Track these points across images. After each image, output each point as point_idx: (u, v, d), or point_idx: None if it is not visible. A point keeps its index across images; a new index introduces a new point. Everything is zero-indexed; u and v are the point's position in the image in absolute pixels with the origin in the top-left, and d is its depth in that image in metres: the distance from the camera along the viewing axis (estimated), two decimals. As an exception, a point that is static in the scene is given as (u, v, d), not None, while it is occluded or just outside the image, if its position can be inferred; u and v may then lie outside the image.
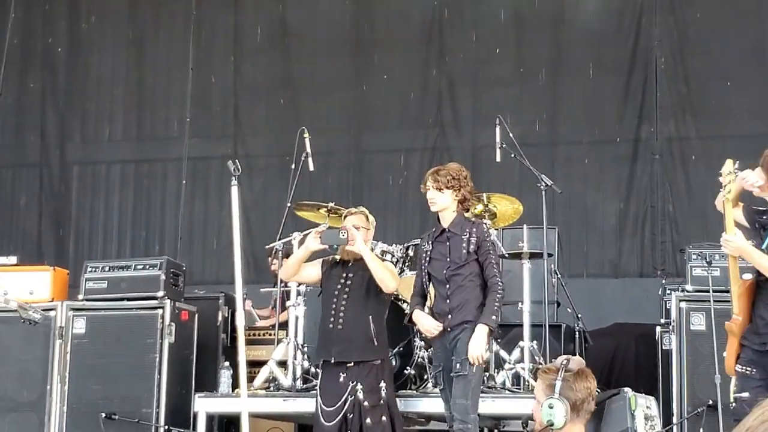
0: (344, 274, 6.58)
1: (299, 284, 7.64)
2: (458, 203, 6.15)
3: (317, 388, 6.52)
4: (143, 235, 11.75)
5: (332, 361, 6.39)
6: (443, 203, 6.14)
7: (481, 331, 5.90)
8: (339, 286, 6.55)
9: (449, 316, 6.03)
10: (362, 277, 6.49)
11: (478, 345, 5.88)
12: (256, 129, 11.66)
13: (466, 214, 6.31)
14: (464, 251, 6.04)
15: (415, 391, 7.10)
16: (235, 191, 6.37)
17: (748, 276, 5.80)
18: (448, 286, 6.06)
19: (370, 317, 6.43)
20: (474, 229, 6.10)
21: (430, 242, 6.21)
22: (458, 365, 5.92)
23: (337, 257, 6.70)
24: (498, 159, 7.88)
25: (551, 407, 5.20)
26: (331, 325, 6.44)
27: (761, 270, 5.69)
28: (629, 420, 5.37)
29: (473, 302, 6.01)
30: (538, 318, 7.54)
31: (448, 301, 6.05)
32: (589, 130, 10.72)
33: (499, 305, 6.01)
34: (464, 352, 5.87)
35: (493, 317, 5.96)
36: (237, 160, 6.40)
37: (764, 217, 5.80)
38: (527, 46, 11.08)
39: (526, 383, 7.16)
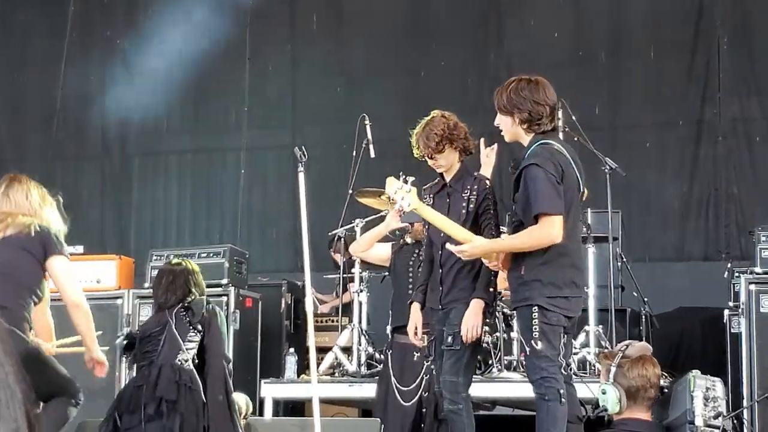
0: (416, 251, 6.63)
1: (362, 270, 7.67)
2: (460, 153, 5.82)
3: (389, 369, 6.52)
4: (203, 225, 11.82)
5: None
6: (447, 163, 5.78)
7: (475, 306, 5.49)
8: (412, 261, 6.59)
9: (441, 288, 5.68)
10: None
11: (471, 321, 5.46)
12: (313, 117, 11.67)
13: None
14: (463, 210, 5.64)
15: (480, 376, 7.08)
16: (302, 177, 6.40)
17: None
18: (441, 252, 5.67)
19: None
20: (475, 186, 5.70)
21: (431, 195, 5.82)
22: (450, 338, 5.52)
23: (408, 240, 6.74)
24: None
25: (604, 393, 5.17)
26: (411, 292, 6.36)
27: (516, 250, 5.30)
28: (688, 401, 5.30)
29: (469, 269, 5.60)
30: (603, 302, 7.49)
31: (441, 270, 5.70)
32: (651, 112, 10.60)
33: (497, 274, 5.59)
34: (457, 325, 5.49)
35: (491, 290, 5.58)
36: (303, 147, 6.44)
37: None
38: (586, 28, 10.98)
39: (592, 368, 7.12)
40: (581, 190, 5.41)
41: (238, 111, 11.86)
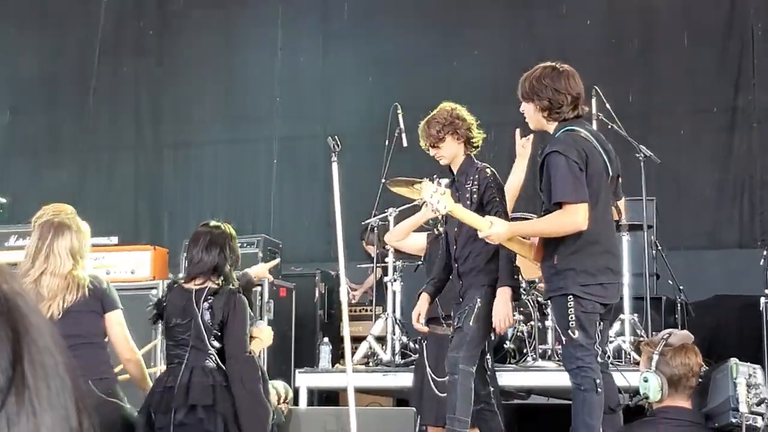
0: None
1: (396, 260, 7.68)
2: (464, 145, 5.83)
3: (425, 359, 6.52)
4: (236, 215, 11.85)
5: (452, 313, 6.36)
6: (449, 153, 5.83)
7: (503, 295, 5.57)
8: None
9: (461, 282, 5.78)
10: None
11: (502, 311, 5.55)
12: (345, 107, 11.67)
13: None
14: (468, 202, 5.64)
15: (514, 365, 7.08)
16: (335, 167, 6.41)
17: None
18: (455, 247, 5.77)
19: None
20: (477, 176, 5.72)
21: None
22: (457, 319, 5.67)
23: (440, 230, 6.72)
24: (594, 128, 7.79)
25: (646, 381, 5.17)
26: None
27: (540, 235, 5.38)
28: (731, 388, 5.28)
29: (483, 258, 5.69)
30: (638, 291, 7.46)
31: (456, 265, 5.80)
32: (684, 99, 10.54)
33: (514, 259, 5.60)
34: (466, 306, 5.62)
35: (515, 277, 5.63)
36: (336, 137, 6.44)
37: None
38: (618, 16, 10.92)
39: (628, 356, 7.10)
40: (611, 174, 5.39)
41: (270, 101, 11.88)
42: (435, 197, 5.25)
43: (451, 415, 5.60)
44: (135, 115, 12.35)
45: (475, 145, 5.87)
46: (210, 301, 5.70)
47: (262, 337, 6.01)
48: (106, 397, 5.35)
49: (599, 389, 5.17)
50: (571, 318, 5.16)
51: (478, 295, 5.67)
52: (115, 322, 5.57)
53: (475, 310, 5.63)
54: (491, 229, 5.25)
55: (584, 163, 5.18)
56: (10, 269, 0.70)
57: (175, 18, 12.40)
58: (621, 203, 5.74)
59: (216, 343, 5.68)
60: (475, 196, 5.67)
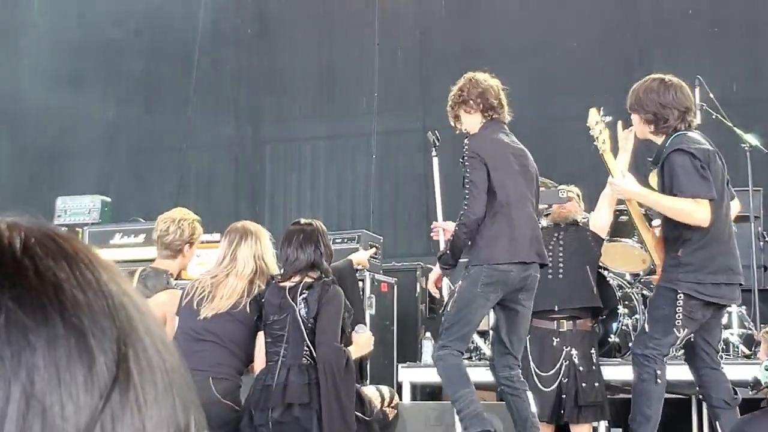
0: (556, 234, 6.58)
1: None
2: (480, 113, 5.76)
3: (528, 353, 6.48)
4: (336, 210, 11.93)
5: (555, 309, 6.31)
6: (469, 126, 5.78)
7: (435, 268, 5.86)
8: (552, 245, 6.53)
9: None
10: (574, 237, 6.49)
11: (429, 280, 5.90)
12: (444, 101, 11.63)
13: None
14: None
15: (620, 359, 7.01)
16: (435, 162, 6.43)
17: (658, 222, 5.49)
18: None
19: (588, 268, 6.39)
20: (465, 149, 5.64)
21: None
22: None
23: (543, 223, 6.69)
24: (699, 121, 7.65)
25: (767, 369, 5.09)
26: (550, 276, 6.37)
27: (661, 210, 5.37)
28: None
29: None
30: (746, 283, 7.31)
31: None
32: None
33: (458, 237, 5.55)
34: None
35: (448, 252, 5.62)
36: (436, 131, 6.44)
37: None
38: (721, 3, 10.72)
39: (736, 349, 6.98)
40: (726, 178, 5.41)
41: (368, 96, 11.92)
42: (598, 127, 5.46)
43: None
44: (234, 113, 12.50)
45: (495, 109, 5.75)
46: (305, 294, 5.73)
47: (359, 342, 6.02)
48: (222, 398, 5.48)
49: (659, 380, 5.28)
50: (678, 316, 5.15)
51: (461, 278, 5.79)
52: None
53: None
54: (621, 180, 5.36)
55: (706, 163, 5.17)
56: (117, 268, 0.72)
57: (274, 15, 12.51)
58: (735, 204, 5.74)
59: (312, 336, 5.74)
60: (464, 168, 5.63)
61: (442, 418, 6.76)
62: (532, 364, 6.43)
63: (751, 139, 7.45)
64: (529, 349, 6.45)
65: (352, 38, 12.06)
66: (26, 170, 12.82)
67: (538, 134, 11.18)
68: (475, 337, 7.62)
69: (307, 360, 5.65)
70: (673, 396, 7.24)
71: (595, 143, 5.48)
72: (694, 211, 5.17)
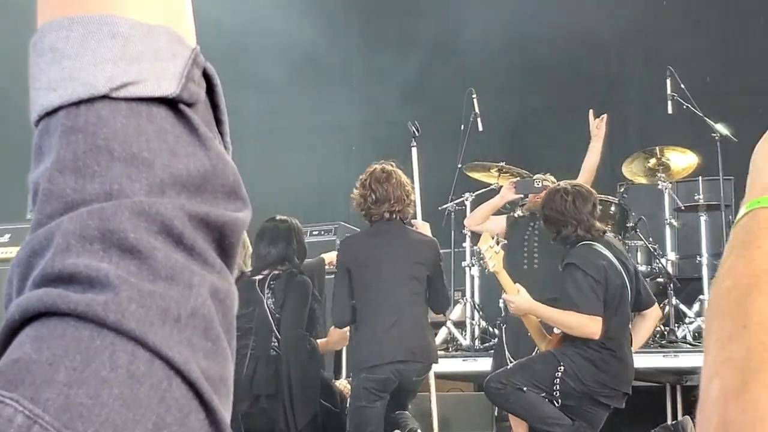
0: (531, 224, 6.65)
1: (474, 244, 7.72)
2: None
3: (504, 344, 6.55)
4: (314, 203, 11.93)
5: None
6: None
7: None
8: (527, 235, 6.61)
9: None
10: None
11: None
12: (428, 91, 11.66)
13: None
14: None
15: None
16: (414, 152, 6.51)
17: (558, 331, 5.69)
18: None
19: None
20: None
21: None
22: None
23: (519, 213, 6.77)
24: (670, 111, 7.75)
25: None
26: (525, 265, 6.47)
27: (554, 325, 5.65)
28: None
29: None
30: (716, 271, 7.41)
31: None
32: (764, 79, 10.39)
33: None
34: None
35: None
36: (416, 122, 6.52)
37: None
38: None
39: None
40: (630, 287, 5.66)
41: (348, 87, 11.94)
42: (489, 252, 5.62)
43: None
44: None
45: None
46: (272, 285, 5.83)
47: (334, 337, 6.13)
48: None
49: None
50: (555, 384, 5.49)
51: None
52: None
53: None
54: (516, 297, 5.62)
55: (603, 278, 5.45)
56: None
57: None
58: (653, 310, 5.94)
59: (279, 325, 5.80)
60: None
61: (420, 409, 6.82)
62: (507, 353, 6.49)
63: (722, 129, 7.53)
64: (504, 339, 6.52)
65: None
66: None
67: (515, 125, 11.27)
68: (452, 328, 7.70)
69: (275, 351, 5.72)
70: (647, 384, 7.33)
71: (485, 263, 5.70)
72: (585, 327, 5.43)
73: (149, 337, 0.63)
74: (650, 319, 5.99)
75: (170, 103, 0.71)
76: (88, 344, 0.61)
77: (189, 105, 0.71)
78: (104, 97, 0.69)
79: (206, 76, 0.74)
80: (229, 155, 0.75)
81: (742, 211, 1.05)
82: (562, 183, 5.87)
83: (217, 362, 0.67)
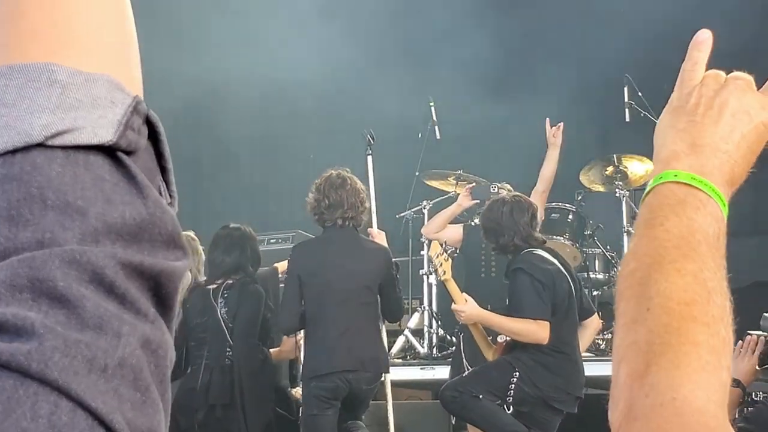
0: None
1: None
2: None
3: (461, 352, 6.53)
4: (272, 210, 11.88)
5: (488, 308, 6.41)
6: None
7: None
8: (485, 242, 6.60)
9: None
10: None
11: None
12: (384, 98, 11.63)
13: None
14: None
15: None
16: (370, 161, 6.49)
17: (503, 338, 5.74)
18: None
19: None
20: None
21: None
22: None
23: (476, 221, 6.75)
24: (627, 119, 7.77)
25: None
26: (483, 275, 6.47)
27: (503, 332, 5.70)
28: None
29: None
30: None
31: None
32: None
33: None
34: None
35: None
36: (372, 131, 6.50)
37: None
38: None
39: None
40: (575, 293, 5.74)
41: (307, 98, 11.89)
42: (439, 260, 5.71)
43: None
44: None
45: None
46: (226, 295, 5.80)
47: (284, 347, 6.14)
48: None
49: None
50: (510, 390, 5.54)
51: None
52: None
53: None
54: (464, 306, 5.67)
55: (551, 282, 5.52)
56: None
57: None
58: (593, 320, 6.08)
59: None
60: None
61: (377, 417, 6.79)
62: (465, 361, 6.47)
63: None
64: (462, 347, 6.51)
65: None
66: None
67: (482, 134, 11.25)
68: (410, 336, 7.66)
69: (230, 360, 5.70)
70: (602, 392, 7.30)
71: (436, 271, 5.83)
72: (533, 334, 5.47)
73: (73, 386, 0.61)
74: (590, 329, 6.08)
75: (108, 151, 0.70)
76: (10, 394, 0.60)
77: (128, 153, 0.71)
78: (40, 145, 0.68)
79: (150, 124, 0.73)
80: (175, 204, 0.75)
81: (647, 189, 1.12)
82: (505, 194, 5.93)
83: (145, 413, 0.65)
